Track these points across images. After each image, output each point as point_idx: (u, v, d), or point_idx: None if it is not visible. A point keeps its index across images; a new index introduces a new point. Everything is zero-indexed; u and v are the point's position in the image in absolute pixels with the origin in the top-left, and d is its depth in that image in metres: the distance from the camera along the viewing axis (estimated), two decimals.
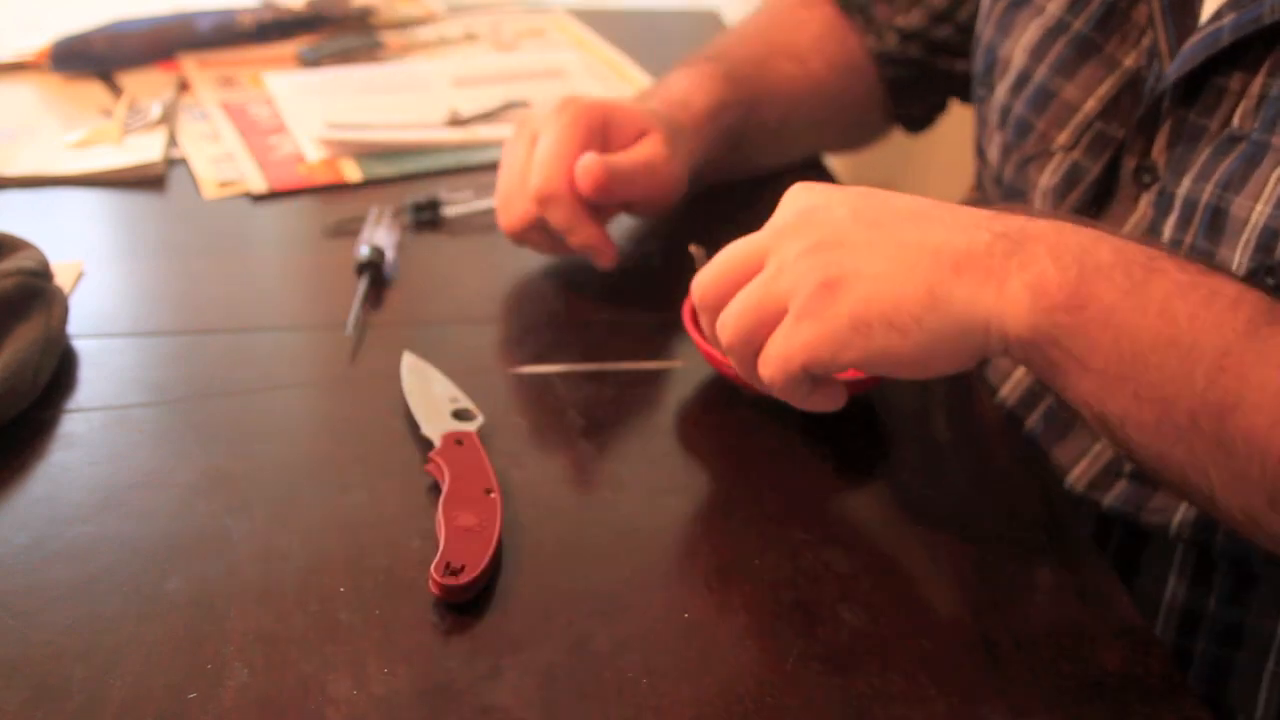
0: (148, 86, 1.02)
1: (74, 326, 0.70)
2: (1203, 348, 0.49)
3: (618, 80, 1.10)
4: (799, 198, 0.58)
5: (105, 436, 0.64)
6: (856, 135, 1.01)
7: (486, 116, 1.00)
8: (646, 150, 0.75)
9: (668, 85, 0.85)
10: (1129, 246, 0.53)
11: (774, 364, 0.56)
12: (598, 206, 0.74)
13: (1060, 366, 0.52)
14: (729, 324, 0.57)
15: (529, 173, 0.74)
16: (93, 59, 1.05)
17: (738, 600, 0.56)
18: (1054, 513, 0.64)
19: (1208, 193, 0.64)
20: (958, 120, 0.97)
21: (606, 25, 1.22)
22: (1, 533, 0.57)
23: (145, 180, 0.90)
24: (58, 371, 0.67)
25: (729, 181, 0.88)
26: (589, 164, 0.72)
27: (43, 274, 0.69)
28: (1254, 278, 0.61)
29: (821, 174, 0.97)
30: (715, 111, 0.83)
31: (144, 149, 0.92)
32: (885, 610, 0.55)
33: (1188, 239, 0.65)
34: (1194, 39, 0.65)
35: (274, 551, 0.56)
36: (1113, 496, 0.71)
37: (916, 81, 0.93)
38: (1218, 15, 0.64)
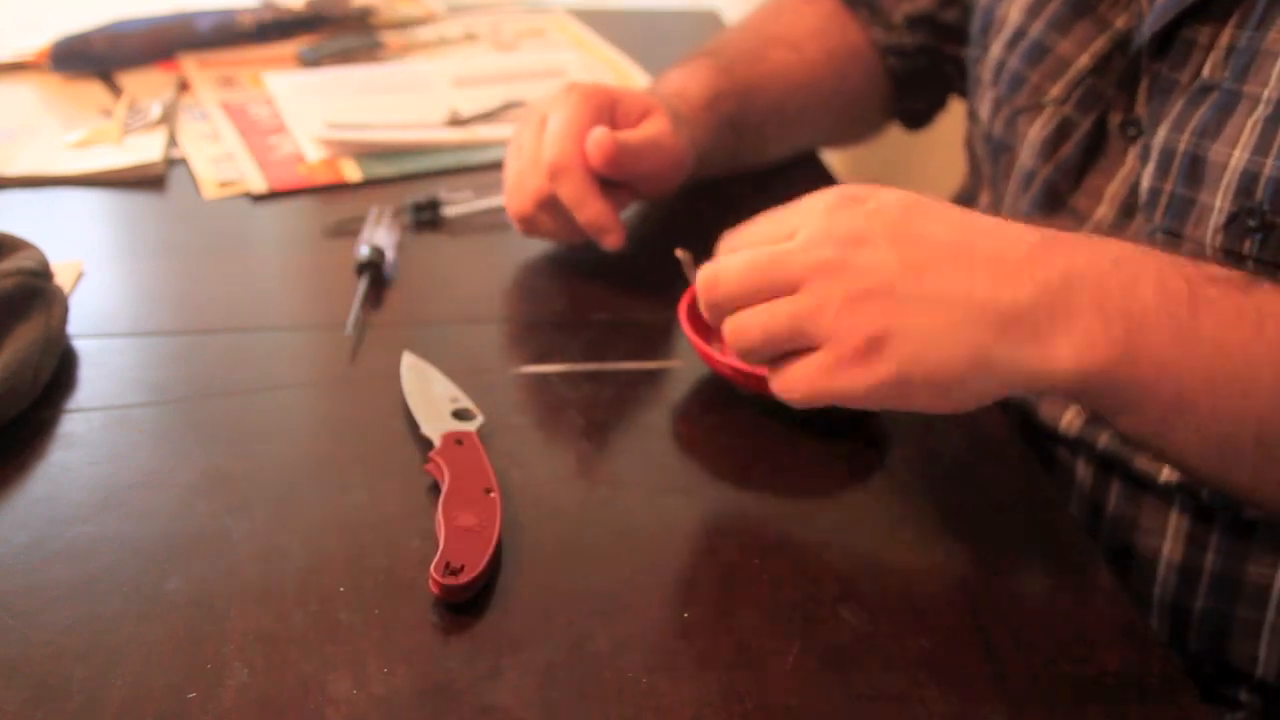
0: (148, 86, 1.02)
1: (74, 326, 0.70)
2: (1261, 376, 0.49)
3: (618, 80, 1.10)
4: (839, 219, 0.55)
5: (105, 436, 0.64)
6: (855, 127, 1.01)
7: (486, 116, 1.00)
8: (653, 127, 0.77)
9: (664, 80, 0.87)
10: (1169, 276, 0.52)
11: (800, 388, 0.55)
12: (609, 187, 0.75)
13: (1114, 410, 0.53)
14: (751, 331, 0.56)
15: (541, 150, 0.75)
16: (93, 59, 1.05)
17: (738, 600, 0.56)
18: (1057, 513, 0.64)
19: (1184, 141, 0.66)
20: (957, 119, 0.97)
21: (606, 25, 1.22)
22: (1, 533, 0.57)
23: (145, 180, 0.90)
24: (58, 371, 0.67)
25: (729, 177, 0.88)
26: (600, 137, 0.73)
27: (43, 274, 0.69)
28: (1236, 219, 0.63)
29: (818, 170, 0.97)
30: (711, 100, 0.84)
31: (144, 149, 0.92)
32: (885, 610, 0.55)
33: (1167, 186, 0.67)
34: None
35: (274, 551, 0.56)
36: (1107, 438, 0.71)
37: (922, 74, 0.94)
38: None
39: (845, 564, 0.58)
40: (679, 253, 0.71)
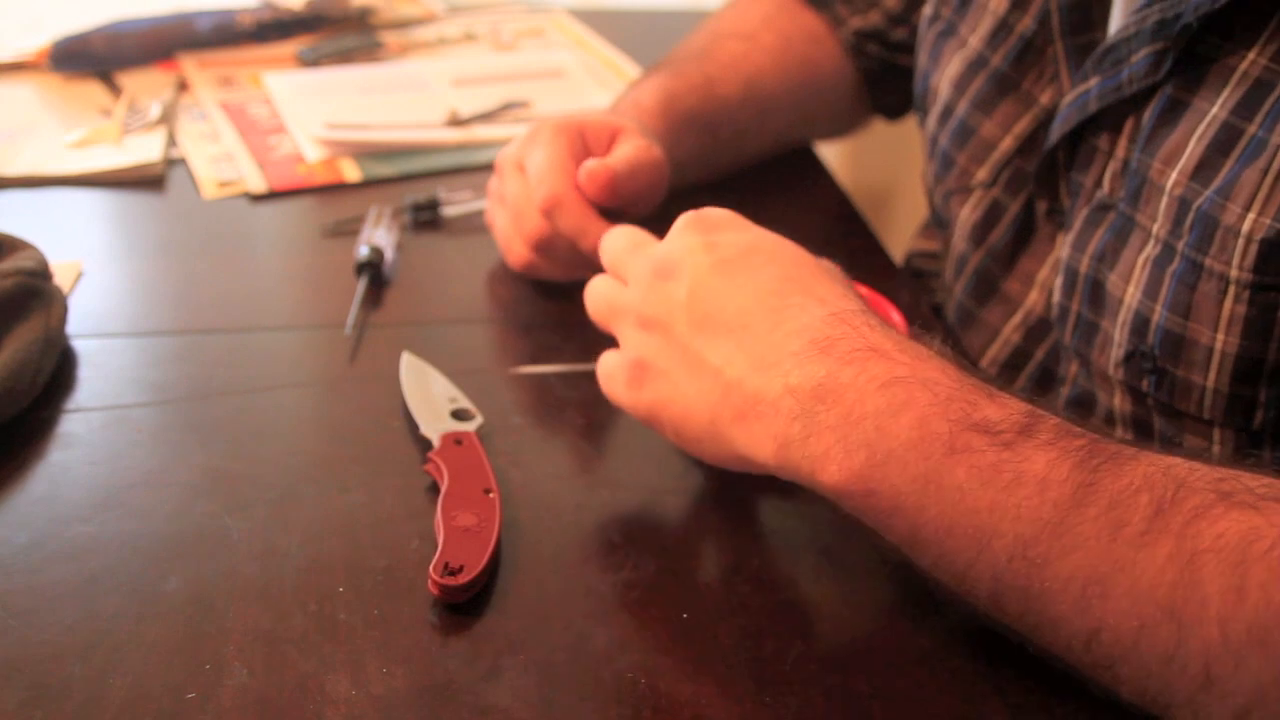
0: (147, 86, 1.02)
1: (73, 326, 0.70)
2: (1003, 536, 0.46)
3: (617, 80, 1.10)
4: (675, 242, 0.58)
5: (105, 436, 0.64)
6: (834, 115, 0.99)
7: (486, 116, 1.00)
8: (631, 146, 0.76)
9: (617, 100, 0.86)
10: (934, 415, 0.47)
11: (600, 380, 0.60)
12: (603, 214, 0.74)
13: (856, 517, 0.51)
14: (594, 301, 0.61)
15: (528, 193, 0.74)
16: (92, 59, 1.05)
17: (737, 600, 0.56)
18: None
19: (1084, 264, 0.66)
20: None
21: (606, 25, 1.22)
22: (1, 533, 0.57)
23: (145, 180, 0.90)
24: (57, 371, 0.67)
25: (719, 178, 0.88)
26: (593, 168, 0.72)
27: (42, 274, 0.69)
28: (1131, 360, 0.62)
29: (817, 171, 0.97)
30: (666, 103, 0.83)
31: (143, 149, 0.92)
32: (885, 610, 0.55)
33: (1074, 306, 0.67)
34: (1068, 99, 0.67)
35: (274, 551, 0.56)
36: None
37: (886, 73, 0.94)
38: (1085, 76, 0.66)
39: (846, 563, 0.58)
40: None
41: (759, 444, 0.52)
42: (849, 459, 0.48)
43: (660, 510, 0.61)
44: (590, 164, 0.72)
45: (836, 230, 0.91)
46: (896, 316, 0.71)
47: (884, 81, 0.94)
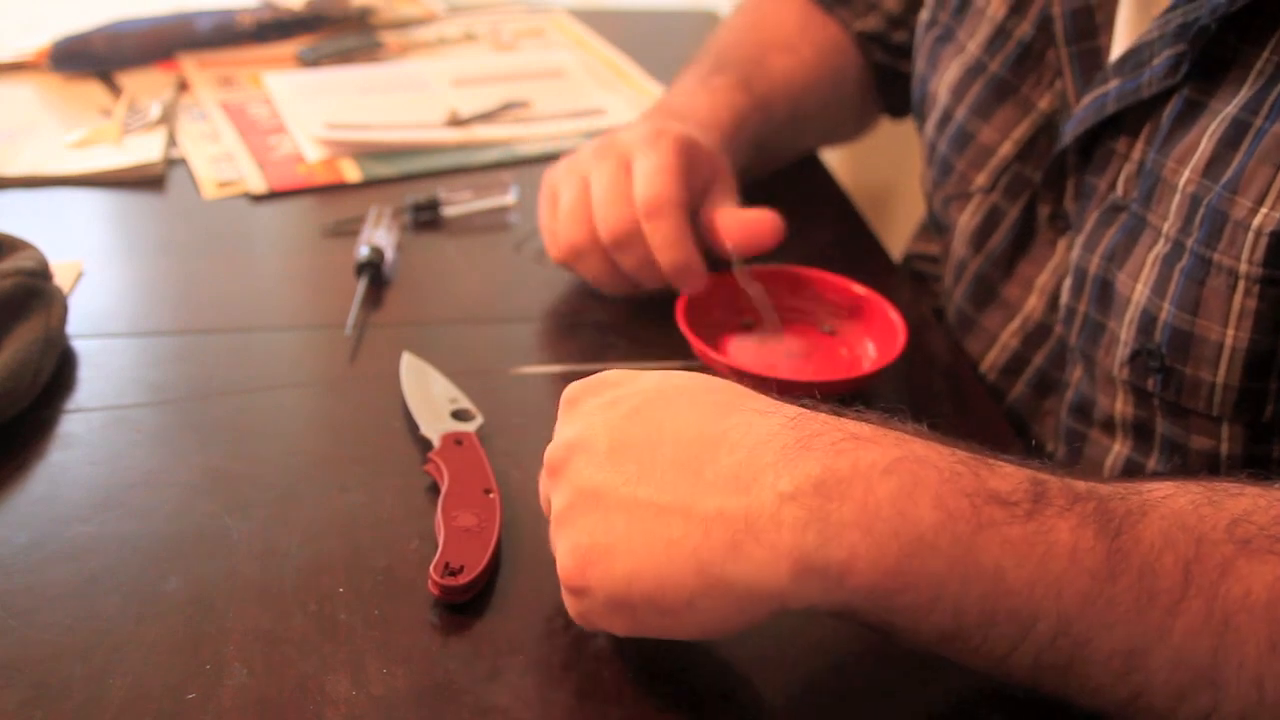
0: (147, 86, 1.02)
1: (74, 326, 0.70)
2: (1045, 616, 0.43)
3: (617, 80, 1.10)
4: (570, 416, 0.51)
5: (105, 436, 0.64)
6: (850, 123, 1.00)
7: (486, 116, 1.00)
8: (731, 199, 0.76)
9: (691, 104, 0.83)
10: (949, 492, 0.43)
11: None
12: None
13: (879, 630, 0.46)
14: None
15: (630, 186, 0.72)
16: (92, 59, 1.05)
17: None
18: None
19: (1094, 264, 0.66)
20: None
21: (606, 25, 1.22)
22: (1, 533, 0.57)
23: (145, 180, 0.90)
24: (57, 371, 0.67)
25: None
26: (772, 220, 0.74)
27: (42, 274, 0.69)
28: (1138, 356, 0.62)
29: (818, 172, 0.97)
30: (738, 122, 0.83)
31: (143, 149, 0.92)
32: None
33: (1081, 306, 0.67)
34: (1085, 101, 0.67)
35: (273, 551, 0.56)
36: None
37: (892, 75, 0.94)
38: (1105, 79, 0.66)
39: None
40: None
41: (769, 570, 0.43)
42: (880, 553, 0.43)
43: None
44: (768, 216, 0.74)
45: (836, 230, 0.91)
46: (895, 316, 0.71)
47: (889, 82, 0.94)
